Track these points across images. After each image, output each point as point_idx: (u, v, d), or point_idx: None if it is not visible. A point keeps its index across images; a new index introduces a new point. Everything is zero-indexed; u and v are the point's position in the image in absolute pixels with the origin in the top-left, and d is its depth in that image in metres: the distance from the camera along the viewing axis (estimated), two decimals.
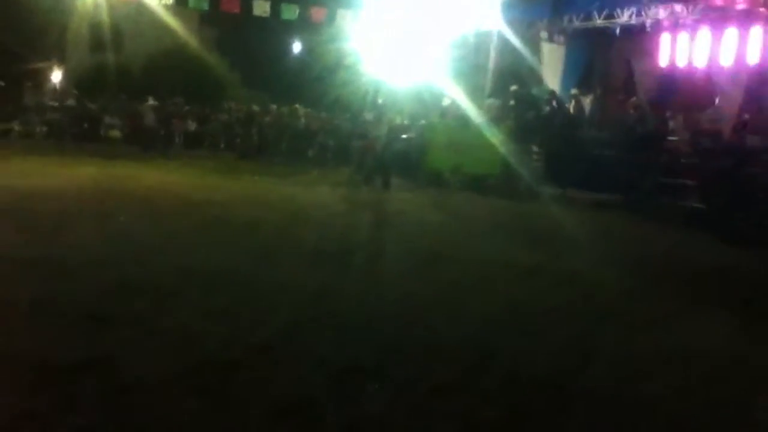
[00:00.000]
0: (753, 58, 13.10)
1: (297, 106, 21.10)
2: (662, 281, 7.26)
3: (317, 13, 19.11)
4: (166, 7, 19.50)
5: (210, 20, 25.32)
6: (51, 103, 21.67)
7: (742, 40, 13.47)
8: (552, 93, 16.16)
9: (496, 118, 15.49)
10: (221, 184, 12.72)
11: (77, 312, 4.80)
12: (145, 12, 20.66)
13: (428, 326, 5.14)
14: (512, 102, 16.65)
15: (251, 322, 4.88)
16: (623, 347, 5.03)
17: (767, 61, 12.73)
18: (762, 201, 10.53)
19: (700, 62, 14.43)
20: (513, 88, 16.23)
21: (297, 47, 27.69)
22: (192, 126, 20.78)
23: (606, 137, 14.82)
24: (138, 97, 21.46)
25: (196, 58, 24.94)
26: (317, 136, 19.28)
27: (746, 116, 12.99)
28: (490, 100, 16.59)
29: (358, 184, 14.12)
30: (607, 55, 17.51)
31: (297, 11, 18.81)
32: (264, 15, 18.71)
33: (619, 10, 15.02)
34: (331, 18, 19.12)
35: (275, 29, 23.74)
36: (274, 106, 20.65)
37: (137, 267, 6.12)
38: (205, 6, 18.86)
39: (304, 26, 21.43)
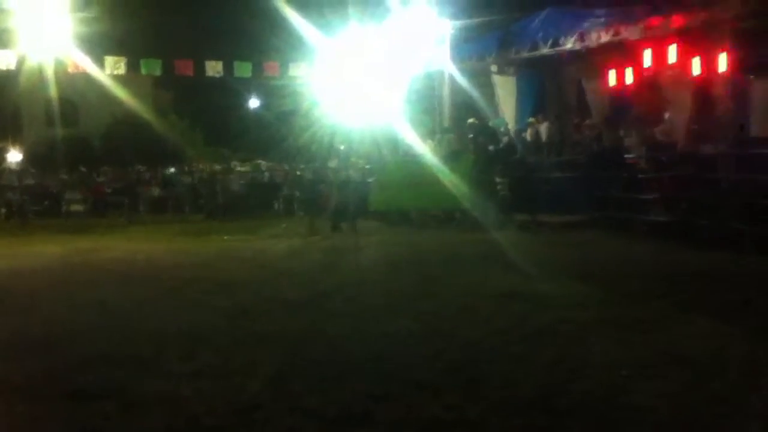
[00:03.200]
0: (696, 70, 13.58)
1: (260, 161, 21.18)
2: (642, 291, 7.42)
3: (270, 68, 19.32)
4: (118, 76, 19.55)
5: (164, 84, 25.44)
6: (9, 183, 21.41)
7: (684, 53, 13.97)
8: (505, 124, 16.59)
9: (455, 152, 15.74)
10: (190, 247, 12.63)
11: (56, 389, 4.67)
12: (96, 83, 20.66)
13: (409, 363, 5.13)
14: (471, 135, 16.98)
15: (235, 380, 4.80)
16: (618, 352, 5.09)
17: (709, 71, 13.18)
18: (721, 206, 10.81)
19: (647, 78, 14.90)
20: (470, 120, 16.56)
21: (254, 102, 27.91)
22: (155, 191, 20.67)
23: (566, 160, 15.13)
24: (98, 167, 21.34)
25: (153, 123, 24.93)
26: (282, 188, 19.31)
27: (695, 126, 13.40)
28: (449, 135, 16.87)
29: (328, 231, 14.14)
30: (558, 81, 18.01)
31: (250, 68, 19.01)
32: (218, 75, 18.88)
33: (563, 38, 15.47)
34: (285, 71, 19.35)
35: (231, 87, 23.96)
36: (235, 163, 20.72)
37: (113, 337, 6.01)
38: (158, 71, 18.96)
39: (259, 81, 21.65)
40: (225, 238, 13.88)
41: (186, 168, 22.75)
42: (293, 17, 17.58)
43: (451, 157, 15.32)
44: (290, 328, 6.19)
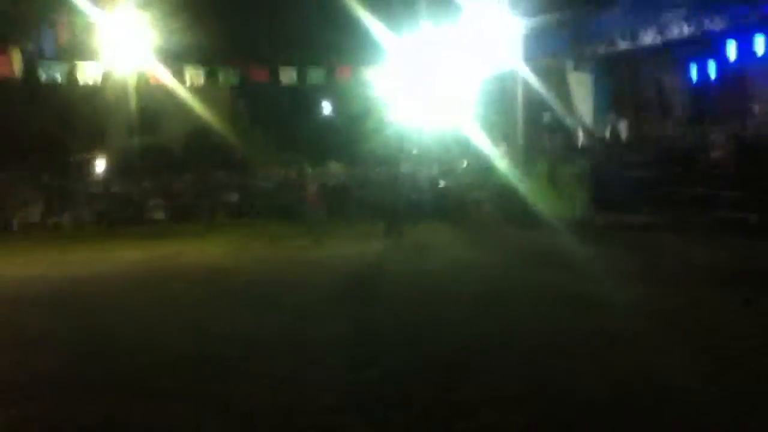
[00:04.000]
0: None
1: (333, 163, 21.38)
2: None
3: (343, 72, 19.48)
4: (197, 86, 20.13)
5: (241, 93, 26.04)
6: (97, 191, 22.36)
7: None
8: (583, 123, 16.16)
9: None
10: (265, 252, 12.86)
11: (137, 388, 4.84)
12: (176, 93, 21.34)
13: (494, 371, 5.05)
14: (548, 134, 16.67)
15: (313, 387, 4.83)
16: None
17: None
18: None
19: (732, 72, 14.22)
20: (543, 122, 16.23)
21: (327, 107, 28.20)
22: (234, 197, 21.15)
23: (647, 158, 14.60)
24: (178, 175, 22.03)
25: (230, 131, 25.54)
26: (354, 191, 19.41)
27: None
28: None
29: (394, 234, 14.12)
30: (637, 77, 17.39)
31: (323, 74, 19.22)
32: (291, 82, 19.19)
33: (641, 32, 14.92)
34: (357, 74, 19.48)
35: (304, 92, 24.27)
36: (309, 169, 20.98)
37: (194, 340, 6.17)
38: (235, 80, 19.44)
39: (332, 86, 21.88)
40: (299, 242, 14.03)
41: (262, 174, 23.18)
42: (365, 20, 17.66)
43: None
44: (359, 332, 6.25)
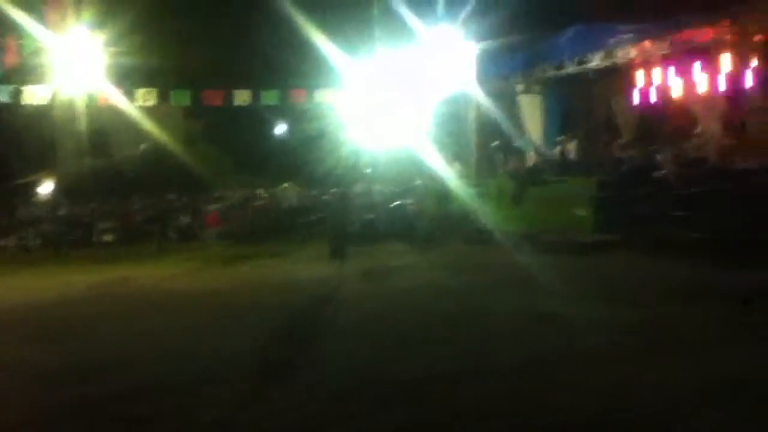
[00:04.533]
0: (724, 84, 13.39)
1: (286, 185, 21.31)
2: (681, 312, 7.25)
3: (297, 95, 19.54)
4: (149, 107, 19.91)
5: (194, 114, 25.86)
6: (44, 214, 21.83)
7: (713, 68, 13.79)
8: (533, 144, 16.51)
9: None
10: (221, 274, 12.71)
11: (108, 414, 4.74)
12: (128, 114, 21.07)
13: (453, 392, 5.07)
14: (500, 155, 16.95)
15: (278, 405, 4.80)
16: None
17: (738, 85, 12.99)
18: (757, 222, 10.53)
19: (676, 94, 14.72)
20: (495, 143, 16.51)
21: (282, 128, 28.21)
22: (185, 219, 20.89)
23: (596, 179, 14.94)
24: (129, 197, 21.68)
25: (183, 152, 25.30)
26: (310, 212, 19.37)
27: (728, 141, 13.17)
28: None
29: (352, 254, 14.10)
30: (586, 99, 17.83)
31: (277, 96, 19.25)
32: (245, 104, 19.16)
33: (589, 55, 15.36)
34: (311, 97, 19.55)
35: (260, 114, 24.24)
36: (261, 190, 20.91)
37: (161, 363, 6.07)
38: (188, 101, 19.29)
39: (286, 108, 21.89)
40: (253, 262, 13.89)
41: (215, 195, 22.98)
42: (319, 43, 17.76)
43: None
44: (328, 353, 6.20)
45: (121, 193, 23.51)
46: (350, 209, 16.79)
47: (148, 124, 22.66)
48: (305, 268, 12.78)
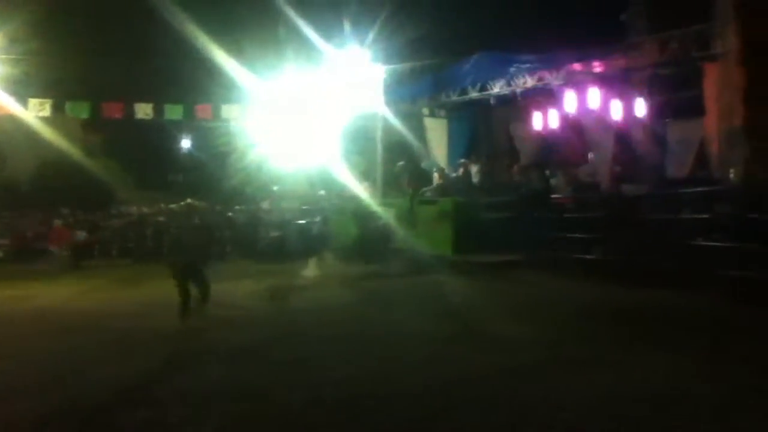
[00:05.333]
0: (616, 114, 14.19)
1: (189, 201, 20.75)
2: (579, 330, 7.59)
3: (203, 110, 19.19)
4: (47, 118, 19.04)
5: (93, 127, 24.91)
6: None
7: (605, 98, 14.61)
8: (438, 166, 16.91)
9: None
10: (119, 295, 12.23)
11: None
12: (24, 125, 20.07)
13: (363, 412, 5.09)
14: (405, 175, 17.22)
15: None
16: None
17: (629, 114, 13.80)
18: (654, 243, 11.19)
19: (571, 122, 15.48)
20: (400, 163, 16.78)
21: (186, 144, 27.59)
22: (81, 235, 20.00)
23: (497, 201, 15.44)
24: (23, 212, 20.59)
25: (82, 166, 24.29)
26: (214, 230, 18.97)
27: (618, 168, 13.92)
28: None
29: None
30: (488, 124, 18.45)
31: (181, 110, 18.83)
32: (147, 117, 18.66)
33: (491, 82, 15.93)
34: (218, 113, 19.24)
35: (163, 129, 23.63)
36: (162, 205, 20.29)
37: (58, 391, 5.78)
38: (86, 113, 18.57)
39: (192, 123, 21.45)
40: (154, 282, 13.45)
41: (114, 211, 22.16)
42: (226, 61, 17.55)
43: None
44: (232, 378, 6.08)
45: (16, 208, 22.29)
46: (257, 226, 16.61)
47: (43, 136, 21.66)
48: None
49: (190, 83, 19.77)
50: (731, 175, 11.38)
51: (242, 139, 20.55)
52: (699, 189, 11.42)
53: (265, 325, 8.70)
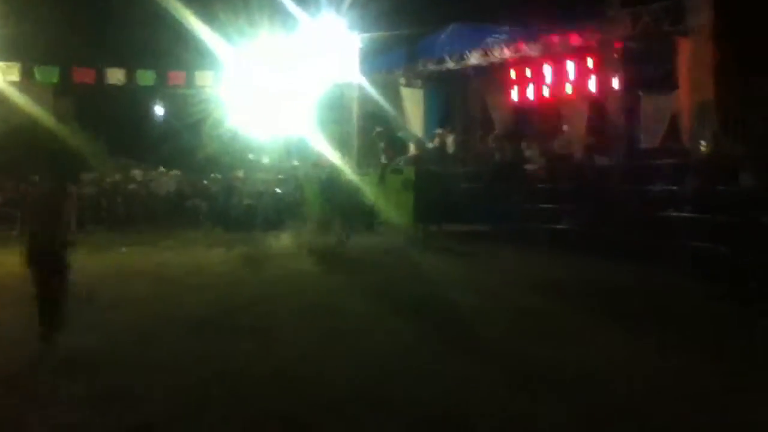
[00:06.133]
0: (591, 86, 14.29)
1: (162, 169, 20.56)
2: (546, 302, 7.73)
3: (175, 77, 18.89)
4: (13, 83, 18.60)
5: (64, 92, 24.33)
6: None
7: (580, 71, 14.68)
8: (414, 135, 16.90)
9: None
10: (90, 262, 12.10)
11: None
12: None
13: (320, 381, 5.15)
14: (381, 144, 17.22)
15: (129, 403, 4.68)
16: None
17: (603, 87, 13.89)
18: (623, 215, 11.35)
19: (547, 94, 15.55)
20: (378, 129, 16.77)
21: (159, 111, 27.17)
22: None
23: (470, 171, 15.52)
24: None
25: (52, 132, 23.80)
26: (188, 198, 18.87)
27: (592, 139, 14.05)
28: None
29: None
30: (464, 95, 18.45)
31: (153, 76, 18.53)
32: (119, 83, 18.34)
33: (467, 53, 15.90)
34: (191, 80, 18.96)
35: (135, 96, 23.20)
36: (137, 172, 20.03)
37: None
38: (55, 79, 18.19)
39: (165, 90, 21.09)
40: (124, 250, 13.40)
41: (88, 178, 21.81)
42: (198, 26, 17.23)
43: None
44: (194, 347, 6.09)
45: None
46: (231, 195, 16.52)
47: (12, 102, 21.17)
48: (181, 254, 12.45)
49: (163, 49, 19.41)
50: (701, 148, 11.56)
51: (216, 107, 20.28)
52: (668, 161, 11.59)
53: (233, 293, 8.69)
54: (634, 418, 4.32)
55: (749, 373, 5.24)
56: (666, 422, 4.28)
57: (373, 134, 16.72)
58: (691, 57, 12.01)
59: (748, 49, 11.20)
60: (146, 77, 18.49)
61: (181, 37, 17.78)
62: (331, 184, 15.52)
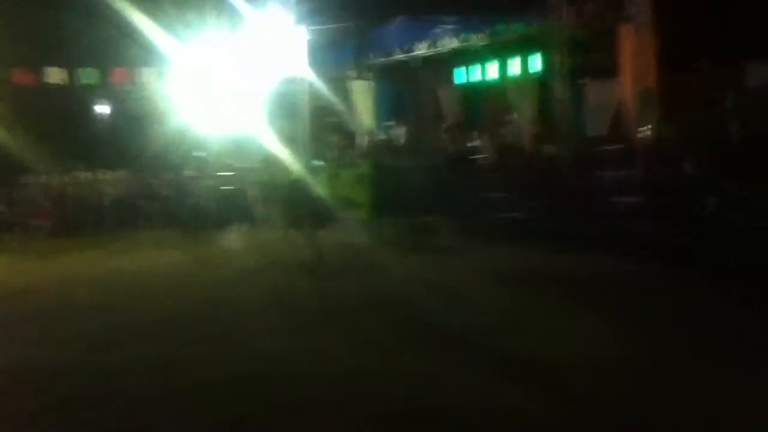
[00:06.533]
0: (536, 77, 14.52)
1: (109, 170, 20.04)
2: (500, 293, 7.84)
3: (119, 74, 18.46)
4: None
5: (2, 95, 23.50)
6: None
7: (526, 61, 14.90)
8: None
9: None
10: (34, 269, 11.79)
11: None
12: None
13: (276, 384, 5.14)
14: (333, 138, 17.22)
15: (86, 415, 4.60)
16: None
17: (548, 76, 14.12)
18: (571, 202, 11.57)
19: (495, 84, 15.75)
20: (328, 123, 16.74)
21: (104, 110, 26.45)
22: None
23: (423, 163, 15.57)
24: None
25: None
26: (137, 199, 18.46)
27: (538, 128, 14.30)
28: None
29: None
30: (414, 87, 18.51)
31: (97, 75, 18.08)
32: (62, 83, 17.83)
33: (416, 45, 15.99)
34: (135, 77, 18.55)
35: (78, 94, 22.55)
36: (83, 173, 19.51)
37: None
38: None
39: (109, 88, 20.57)
40: (74, 255, 13.06)
41: (32, 182, 21.15)
42: (142, 21, 16.85)
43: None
44: (149, 354, 5.98)
45: None
46: (181, 195, 16.25)
47: None
48: (132, 258, 12.20)
49: (106, 46, 18.91)
50: (645, 135, 11.86)
51: (163, 105, 19.89)
52: (612, 148, 11.86)
53: (186, 296, 8.56)
54: (609, 400, 4.45)
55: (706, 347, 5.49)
56: (640, 400, 4.42)
57: (323, 128, 16.66)
58: (633, 45, 12.30)
59: (688, 37, 11.50)
60: (89, 76, 18.04)
61: (124, 33, 17.37)
62: (280, 181, 15.39)
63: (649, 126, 11.75)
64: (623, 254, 9.37)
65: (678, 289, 7.75)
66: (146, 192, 18.40)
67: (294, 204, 14.76)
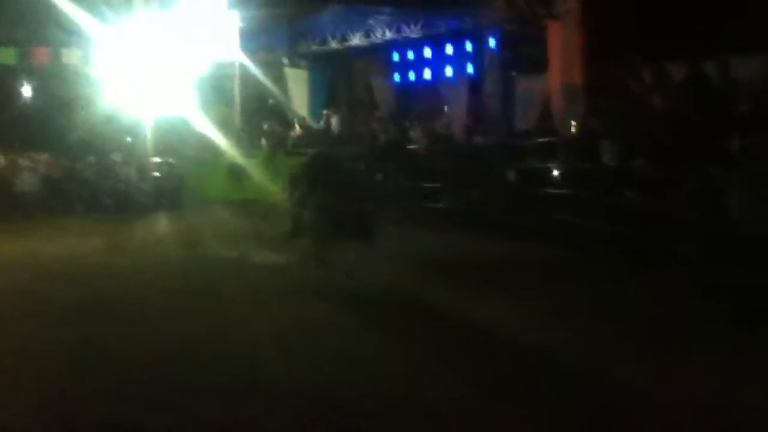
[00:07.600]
0: (469, 68, 14.71)
1: (31, 153, 19.22)
2: (430, 278, 8.00)
3: (40, 54, 17.71)
4: None
5: None
6: None
7: (459, 52, 15.08)
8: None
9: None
10: None
11: None
12: None
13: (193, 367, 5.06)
14: (265, 125, 17.03)
15: None
16: None
17: (480, 69, 14.34)
18: (498, 192, 11.81)
19: (428, 75, 15.88)
20: (260, 111, 16.54)
21: (26, 91, 25.34)
22: None
23: (355, 152, 15.57)
24: None
25: None
26: (60, 183, 17.78)
27: (469, 120, 14.51)
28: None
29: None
30: (348, 75, 18.49)
31: (15, 54, 17.31)
32: None
33: (350, 34, 15.94)
34: (57, 57, 17.82)
35: None
36: (1, 157, 18.65)
37: None
38: None
39: (29, 69, 19.71)
40: None
41: None
42: (64, 1, 16.19)
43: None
44: (70, 335, 5.82)
45: None
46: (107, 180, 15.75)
47: None
48: (54, 243, 11.76)
49: (26, 24, 18.08)
50: (572, 128, 12.19)
51: (88, 87, 19.20)
52: (538, 140, 12.16)
53: (110, 279, 8.35)
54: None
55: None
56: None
57: (257, 115, 16.47)
58: (561, 40, 12.59)
59: (614, 32, 11.81)
60: (7, 54, 17.25)
61: (46, 12, 16.66)
62: (212, 165, 14.98)
63: (576, 119, 12.07)
64: (539, 240, 9.70)
65: (587, 270, 8.26)
66: (70, 176, 17.73)
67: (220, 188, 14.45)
